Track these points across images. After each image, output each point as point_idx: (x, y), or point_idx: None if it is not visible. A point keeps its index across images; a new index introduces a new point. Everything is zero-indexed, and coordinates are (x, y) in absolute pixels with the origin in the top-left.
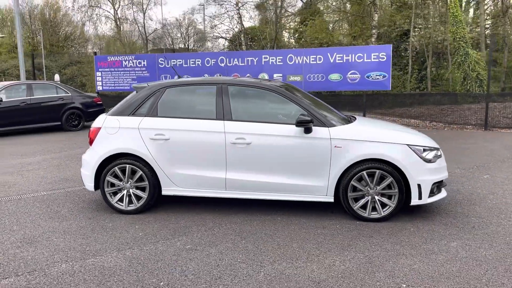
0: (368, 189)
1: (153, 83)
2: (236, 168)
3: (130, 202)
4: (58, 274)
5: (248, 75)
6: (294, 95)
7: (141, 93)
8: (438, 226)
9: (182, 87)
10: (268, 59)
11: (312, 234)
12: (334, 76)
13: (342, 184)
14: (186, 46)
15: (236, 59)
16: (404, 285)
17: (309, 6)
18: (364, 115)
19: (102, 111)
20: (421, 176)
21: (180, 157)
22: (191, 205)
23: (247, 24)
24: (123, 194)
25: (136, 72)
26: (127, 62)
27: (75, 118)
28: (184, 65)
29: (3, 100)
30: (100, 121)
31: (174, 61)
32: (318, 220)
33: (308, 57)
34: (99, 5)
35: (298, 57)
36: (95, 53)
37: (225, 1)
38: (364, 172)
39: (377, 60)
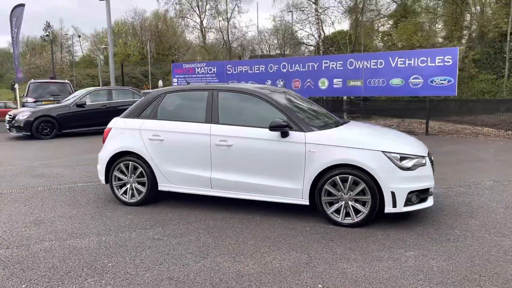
0: (342, 194)
1: (157, 89)
2: (220, 168)
3: (133, 195)
4: (37, 250)
5: (251, 82)
6: (278, 100)
7: (146, 98)
8: (410, 235)
9: (179, 93)
10: (328, 64)
11: (276, 233)
12: (396, 81)
13: (317, 188)
14: (282, 52)
15: (297, 65)
16: (320, 286)
17: (403, 8)
18: (427, 123)
19: None
20: (396, 183)
21: (172, 156)
22: (190, 201)
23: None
24: (127, 187)
25: (207, 78)
26: (199, 69)
27: None
28: (249, 72)
29: (87, 103)
30: (112, 122)
31: (241, 68)
32: (293, 222)
33: (369, 61)
34: (187, 16)
35: (359, 62)
36: (172, 61)
37: (306, 7)
38: (337, 177)
39: (442, 64)
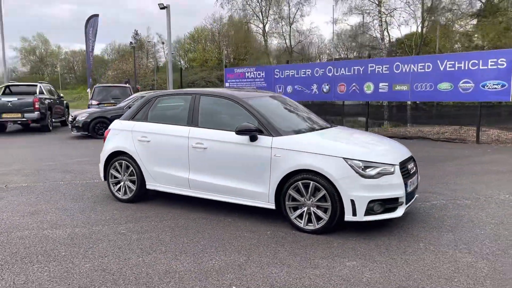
0: (305, 200)
1: (150, 93)
2: (196, 170)
3: (125, 192)
4: (14, 237)
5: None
6: (251, 105)
7: (141, 101)
8: (367, 245)
9: (168, 96)
10: (374, 68)
11: (234, 235)
12: (444, 86)
13: (282, 192)
14: (359, 55)
15: (342, 69)
16: (234, 287)
17: (488, 5)
18: (478, 130)
19: None
20: (356, 191)
21: (157, 157)
22: (177, 201)
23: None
24: (121, 185)
25: (256, 82)
26: (249, 73)
27: None
28: (296, 76)
29: None
30: (112, 124)
31: (288, 72)
32: (259, 225)
33: (416, 65)
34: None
35: (405, 65)
36: (225, 66)
37: (372, 10)
38: (300, 183)
39: (495, 67)
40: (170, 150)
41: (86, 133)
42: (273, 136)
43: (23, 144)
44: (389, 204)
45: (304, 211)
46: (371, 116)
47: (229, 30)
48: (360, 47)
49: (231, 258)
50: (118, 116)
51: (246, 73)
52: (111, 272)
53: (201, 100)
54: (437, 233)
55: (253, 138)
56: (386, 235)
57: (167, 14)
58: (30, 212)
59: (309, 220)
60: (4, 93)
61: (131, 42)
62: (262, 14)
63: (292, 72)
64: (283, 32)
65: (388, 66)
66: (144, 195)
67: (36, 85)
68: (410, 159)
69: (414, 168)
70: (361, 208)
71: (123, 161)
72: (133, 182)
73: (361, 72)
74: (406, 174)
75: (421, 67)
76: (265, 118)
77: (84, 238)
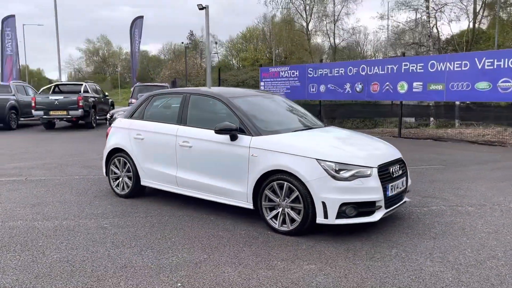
0: (280, 200)
1: (149, 93)
2: (183, 167)
3: (123, 188)
4: (5, 227)
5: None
6: (235, 104)
7: (140, 100)
8: (336, 249)
9: (163, 95)
10: (408, 67)
11: (209, 234)
12: (482, 85)
13: (259, 192)
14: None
15: (376, 68)
16: (179, 284)
17: None
18: None
19: None
20: (327, 193)
21: (150, 154)
22: (171, 198)
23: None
24: (119, 181)
25: (290, 81)
26: (283, 72)
27: None
28: (329, 75)
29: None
30: (114, 122)
31: (321, 71)
32: (238, 225)
33: (452, 63)
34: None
35: (441, 64)
36: (260, 65)
37: (420, 5)
38: (275, 183)
39: None
40: (161, 148)
41: None
42: (252, 136)
43: (65, 140)
44: (364, 207)
45: (279, 211)
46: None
47: (281, 29)
48: (407, 45)
49: (193, 256)
50: None
51: (281, 72)
52: (73, 264)
53: (191, 100)
54: (418, 240)
55: (233, 138)
56: (362, 239)
57: (206, 15)
58: (33, 204)
59: (284, 221)
60: (53, 92)
61: (182, 42)
62: (306, 12)
63: (325, 71)
64: (327, 30)
65: (422, 64)
66: (140, 191)
67: (82, 84)
68: (397, 162)
69: (400, 171)
70: (332, 211)
71: (121, 158)
72: (130, 178)
73: (395, 71)
74: (387, 177)
75: (458, 65)
76: (246, 117)
77: (67, 230)
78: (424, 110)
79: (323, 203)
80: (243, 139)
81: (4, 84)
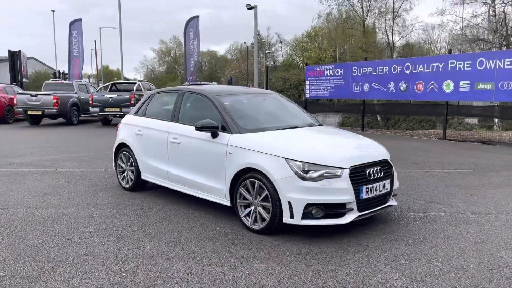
0: (253, 199)
1: (152, 90)
2: (173, 163)
3: (127, 181)
4: (7, 213)
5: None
6: (221, 102)
7: (144, 97)
8: (299, 249)
9: (162, 93)
10: (455, 64)
11: (182, 228)
12: None
13: (235, 190)
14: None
15: (421, 66)
16: (124, 274)
17: None
18: None
19: None
20: (293, 193)
21: (147, 150)
22: (169, 193)
23: None
24: (124, 174)
25: (334, 80)
26: (328, 71)
27: None
28: (373, 73)
29: None
30: (123, 118)
31: (365, 69)
32: (218, 221)
33: (502, 60)
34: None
35: (490, 61)
36: (306, 64)
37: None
38: (248, 181)
39: None
40: (155, 144)
41: None
42: (231, 134)
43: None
44: (333, 209)
45: (251, 210)
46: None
47: (337, 27)
48: (470, 41)
49: (154, 248)
50: None
51: (325, 71)
52: (42, 249)
53: (184, 97)
54: (390, 246)
55: (214, 135)
56: (331, 242)
57: (254, 15)
58: (45, 193)
59: (256, 220)
60: (110, 90)
61: (244, 42)
62: (363, 10)
63: (369, 69)
64: (385, 27)
65: (470, 62)
66: (142, 185)
67: (135, 83)
68: (378, 163)
69: (381, 173)
70: (298, 211)
71: (126, 153)
72: (132, 172)
73: (440, 69)
74: (362, 179)
75: (509, 63)
76: (228, 115)
77: (58, 218)
78: (487, 111)
79: (289, 203)
80: (223, 136)
81: (68, 82)
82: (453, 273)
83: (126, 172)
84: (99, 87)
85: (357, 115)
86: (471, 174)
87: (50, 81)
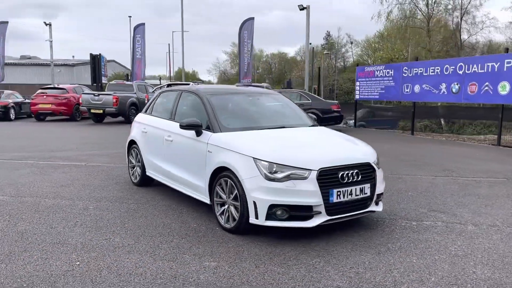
0: (226, 197)
1: (160, 90)
2: (167, 160)
3: (136, 177)
4: (19, 200)
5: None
6: (210, 100)
7: (153, 96)
8: (260, 250)
9: (166, 92)
10: (511, 64)
11: (160, 224)
12: None
13: (212, 188)
14: None
15: (475, 66)
16: (78, 263)
17: None
18: None
19: (337, 117)
20: (258, 193)
21: (150, 147)
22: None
23: None
24: (134, 170)
25: (384, 81)
26: (378, 72)
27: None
28: (424, 74)
29: None
30: (136, 116)
31: (416, 70)
32: (198, 218)
33: None
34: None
35: None
36: (357, 64)
37: None
38: (222, 180)
39: None
40: (155, 142)
41: None
42: (213, 132)
43: None
44: (298, 211)
45: (225, 208)
46: None
47: (399, 26)
48: None
49: (123, 241)
50: None
51: (376, 72)
52: (24, 235)
53: (181, 96)
54: (357, 253)
55: (197, 133)
56: (297, 245)
57: (306, 15)
58: (62, 185)
59: (229, 219)
60: None
61: (310, 43)
62: (428, 7)
63: (420, 70)
64: (453, 25)
65: None
66: (148, 181)
67: (188, 84)
68: (355, 167)
69: (359, 177)
70: (262, 212)
71: (135, 149)
72: (140, 168)
73: (496, 70)
74: (334, 182)
75: None
76: (213, 114)
77: (56, 208)
78: None
79: (254, 203)
80: (205, 135)
81: (128, 83)
82: (406, 285)
83: (135, 168)
84: (155, 88)
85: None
86: (502, 184)
87: (113, 82)
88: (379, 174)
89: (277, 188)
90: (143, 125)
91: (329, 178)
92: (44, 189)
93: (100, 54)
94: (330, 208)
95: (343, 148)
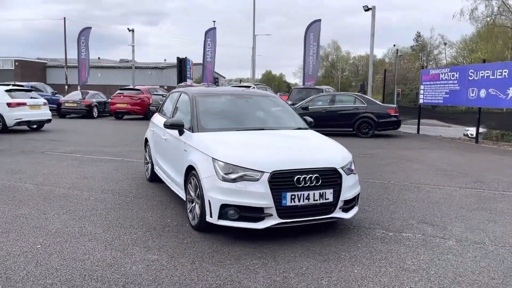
0: (194, 195)
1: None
2: (163, 158)
3: (148, 173)
4: (38, 189)
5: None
6: (198, 102)
7: (166, 97)
8: (211, 249)
9: (172, 93)
10: None
11: (138, 217)
12: None
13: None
14: None
15: None
16: (39, 246)
17: None
18: None
19: (394, 122)
20: (212, 193)
21: (154, 145)
22: None
23: None
24: (147, 166)
25: (449, 85)
26: (443, 75)
27: (366, 126)
28: (491, 77)
29: (309, 107)
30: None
31: (482, 73)
32: (179, 215)
33: None
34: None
35: None
36: (422, 67)
37: None
38: (191, 178)
39: None
40: (158, 140)
41: None
42: (192, 132)
43: None
44: (249, 212)
45: (193, 206)
46: None
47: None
48: None
49: (94, 230)
50: None
51: (440, 75)
52: (14, 219)
53: (180, 97)
54: (302, 259)
55: (180, 132)
56: (248, 246)
57: (371, 16)
58: (87, 177)
59: (195, 216)
60: None
61: (394, 45)
62: None
63: (487, 73)
64: None
65: None
66: (157, 177)
67: (250, 86)
68: (317, 171)
69: (320, 182)
70: (215, 211)
71: (147, 147)
72: (150, 164)
73: None
74: (289, 185)
75: None
76: (196, 114)
77: (62, 197)
78: None
79: (209, 202)
80: (185, 134)
81: (196, 85)
82: None
83: (148, 165)
84: None
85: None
86: None
87: (182, 83)
88: (349, 180)
89: (229, 188)
90: (153, 124)
91: (283, 181)
92: (68, 180)
93: (186, 57)
94: (283, 211)
95: (306, 152)
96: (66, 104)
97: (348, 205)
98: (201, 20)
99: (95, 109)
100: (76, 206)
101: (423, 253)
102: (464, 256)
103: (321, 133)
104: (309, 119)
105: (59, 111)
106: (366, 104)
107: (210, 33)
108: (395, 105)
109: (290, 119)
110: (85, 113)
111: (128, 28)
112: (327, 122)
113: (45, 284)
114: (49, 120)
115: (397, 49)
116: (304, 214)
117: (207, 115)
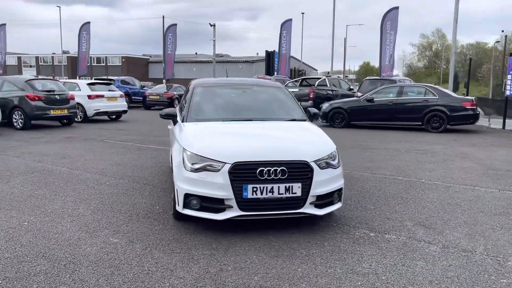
0: None
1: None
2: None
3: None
4: (60, 171)
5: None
6: (196, 93)
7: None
8: (182, 236)
9: (189, 86)
10: None
11: (127, 201)
12: None
13: None
14: None
15: None
16: (26, 223)
17: None
18: None
19: (470, 116)
20: (179, 182)
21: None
22: None
23: None
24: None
25: None
26: None
27: (437, 120)
28: None
29: (374, 100)
30: None
31: None
32: (165, 203)
33: None
34: None
35: None
36: (511, 54)
37: None
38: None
39: None
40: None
41: (325, 121)
42: (182, 122)
43: None
44: (209, 203)
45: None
46: None
47: None
48: None
49: (82, 212)
50: (356, 108)
51: None
52: (22, 197)
53: (191, 88)
54: (258, 254)
55: (174, 122)
56: (210, 237)
57: (455, 10)
58: (119, 163)
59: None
60: (301, 85)
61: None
62: None
63: None
64: None
65: None
66: None
67: (320, 78)
68: (283, 164)
69: (286, 175)
70: (181, 200)
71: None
72: None
73: None
74: (251, 177)
75: None
76: (189, 104)
77: (79, 180)
78: None
79: (176, 191)
80: (177, 124)
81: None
82: None
83: None
84: (287, 83)
85: None
86: None
87: (255, 77)
88: (323, 174)
89: (192, 178)
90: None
91: (245, 172)
92: (100, 166)
93: (274, 50)
94: (244, 203)
95: (277, 144)
96: (151, 97)
97: (322, 200)
98: (298, 12)
99: (176, 101)
100: (87, 190)
101: (390, 257)
102: (435, 264)
103: (387, 128)
104: (314, 110)
105: (145, 103)
106: (438, 96)
107: (286, 25)
108: (471, 98)
109: (286, 111)
110: (167, 105)
111: (209, 23)
112: (394, 115)
113: (3, 257)
114: (125, 111)
115: (506, 36)
116: (267, 207)
117: (200, 106)
